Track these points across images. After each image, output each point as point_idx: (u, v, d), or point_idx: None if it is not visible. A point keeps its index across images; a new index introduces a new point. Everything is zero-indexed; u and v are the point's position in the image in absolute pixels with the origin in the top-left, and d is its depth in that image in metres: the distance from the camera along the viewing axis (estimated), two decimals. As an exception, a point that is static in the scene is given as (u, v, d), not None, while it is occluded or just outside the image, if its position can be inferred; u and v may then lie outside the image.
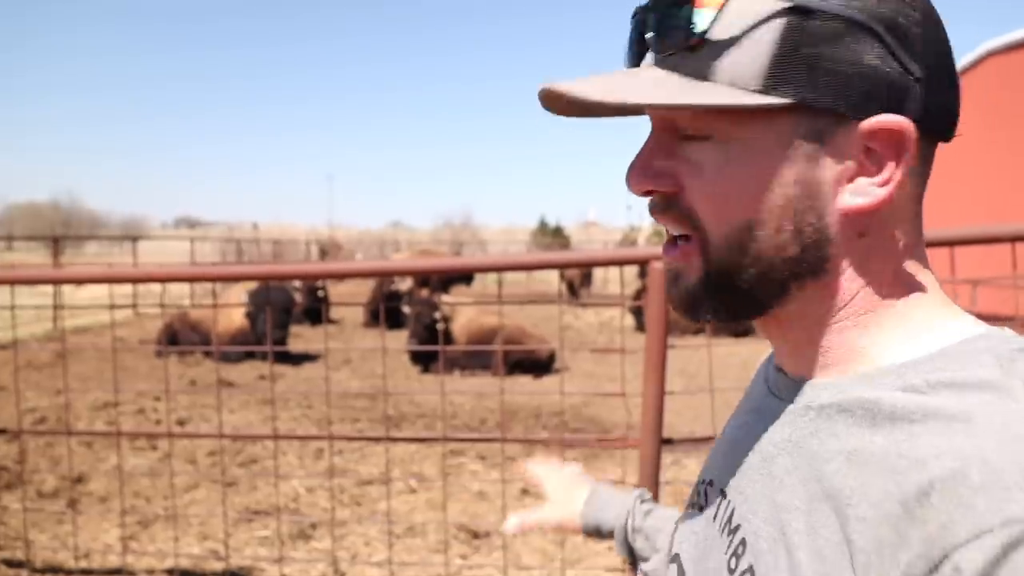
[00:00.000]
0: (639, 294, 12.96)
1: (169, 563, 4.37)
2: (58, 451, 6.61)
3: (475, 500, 5.53)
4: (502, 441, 3.22)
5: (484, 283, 26.68)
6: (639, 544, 1.22)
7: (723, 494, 0.82)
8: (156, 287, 20.44)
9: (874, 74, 0.68)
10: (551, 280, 26.83)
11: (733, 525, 0.78)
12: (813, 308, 0.75)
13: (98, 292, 20.34)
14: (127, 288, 18.86)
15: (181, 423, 7.64)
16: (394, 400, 9.03)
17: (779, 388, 0.81)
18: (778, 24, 0.68)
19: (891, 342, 0.73)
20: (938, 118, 0.73)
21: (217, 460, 6.44)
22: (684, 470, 5.96)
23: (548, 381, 10.46)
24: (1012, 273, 2.97)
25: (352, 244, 37.87)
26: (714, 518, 0.83)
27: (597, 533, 1.28)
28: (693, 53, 0.70)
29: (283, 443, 6.77)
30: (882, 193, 0.70)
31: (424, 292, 16.64)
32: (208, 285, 18.53)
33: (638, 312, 16.15)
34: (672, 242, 0.78)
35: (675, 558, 0.90)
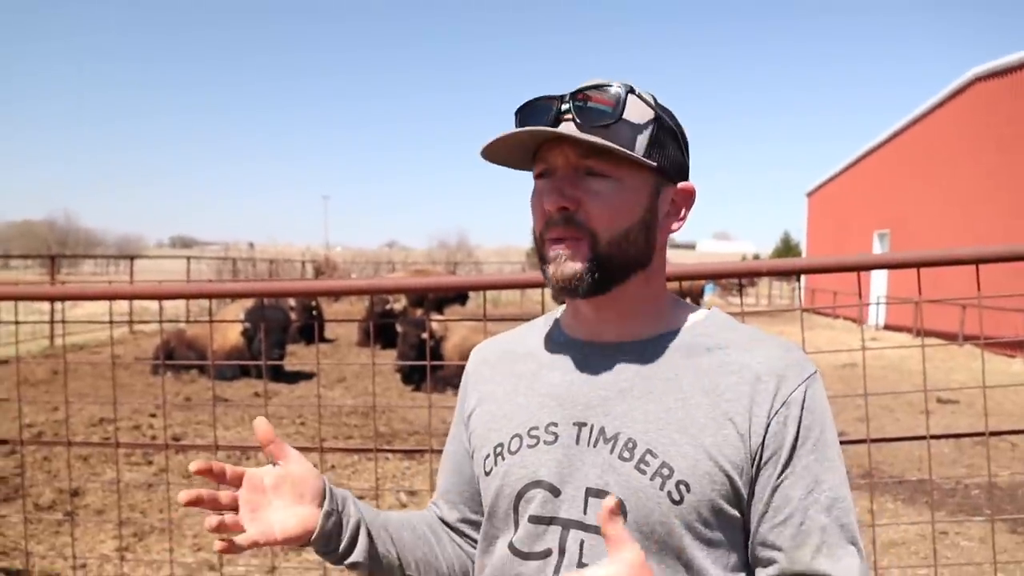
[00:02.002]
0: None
1: (164, 573, 4.48)
2: (55, 465, 6.71)
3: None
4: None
5: (478, 303, 26.78)
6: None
7: (580, 424, 1.23)
8: (152, 305, 20.56)
9: (679, 159, 1.27)
10: (545, 300, 26.98)
11: (610, 436, 1.20)
12: (637, 289, 1.26)
13: (94, 310, 20.43)
14: (123, 306, 19.01)
15: (176, 439, 7.73)
16: (386, 417, 9.15)
17: (593, 351, 1.28)
18: (652, 124, 1.23)
19: (678, 314, 1.31)
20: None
21: (211, 475, 6.53)
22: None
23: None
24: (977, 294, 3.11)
25: (347, 264, 37.94)
26: (576, 442, 1.22)
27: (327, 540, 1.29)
28: (606, 128, 1.18)
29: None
30: (680, 225, 1.29)
31: (418, 312, 16.76)
32: (204, 304, 18.68)
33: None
34: (555, 242, 1.21)
35: (535, 484, 1.23)
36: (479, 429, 1.36)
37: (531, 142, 1.23)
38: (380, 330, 15.01)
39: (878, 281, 23.57)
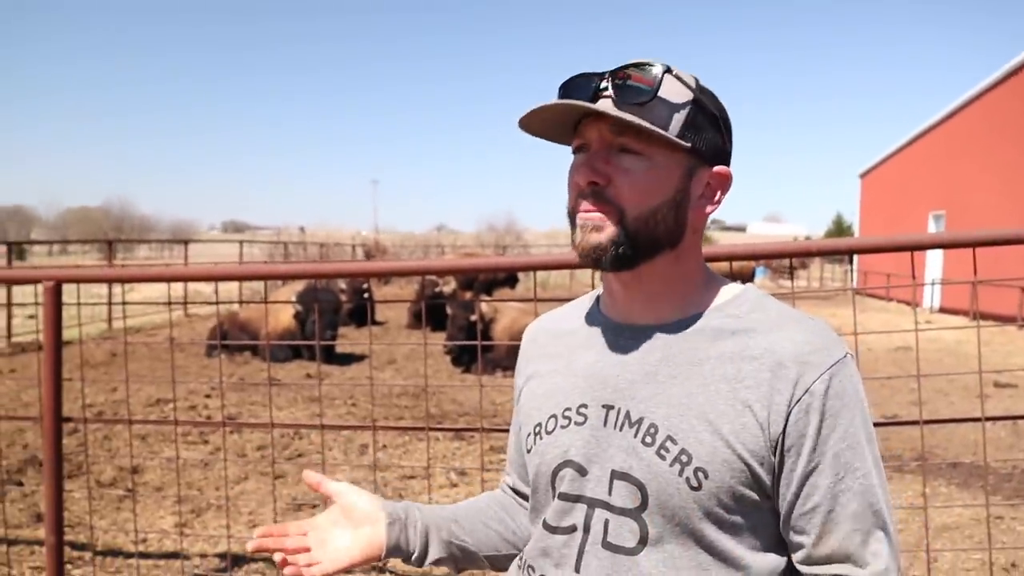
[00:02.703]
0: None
1: (221, 548, 4.59)
2: (115, 443, 6.89)
3: (514, 494, 5.68)
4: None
5: (527, 286, 26.82)
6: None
7: (608, 407, 1.26)
8: (205, 289, 20.92)
9: (718, 143, 1.27)
10: (596, 282, 26.87)
11: (634, 420, 1.23)
12: (666, 269, 1.27)
13: (149, 293, 20.86)
14: (178, 290, 19.38)
15: (231, 418, 7.88)
16: (436, 399, 9.23)
17: (624, 333, 1.30)
18: (689, 105, 1.23)
19: (710, 295, 1.30)
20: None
21: (266, 454, 6.67)
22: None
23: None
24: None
25: (396, 247, 38.20)
26: (604, 424, 1.26)
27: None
28: (641, 106, 1.20)
29: (329, 439, 6.99)
30: (713, 208, 1.29)
31: (467, 294, 16.84)
32: (255, 288, 18.97)
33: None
34: (587, 211, 1.23)
35: (566, 464, 1.28)
36: (525, 407, 1.41)
37: (570, 117, 1.25)
38: (430, 312, 15.12)
39: (933, 263, 23.14)
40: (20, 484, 5.74)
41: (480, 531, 1.47)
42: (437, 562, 1.40)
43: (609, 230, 1.21)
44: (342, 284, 15.45)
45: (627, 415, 1.23)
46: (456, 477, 6.05)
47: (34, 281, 3.60)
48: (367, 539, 1.34)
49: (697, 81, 1.26)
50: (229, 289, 17.71)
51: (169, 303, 3.47)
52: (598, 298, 1.41)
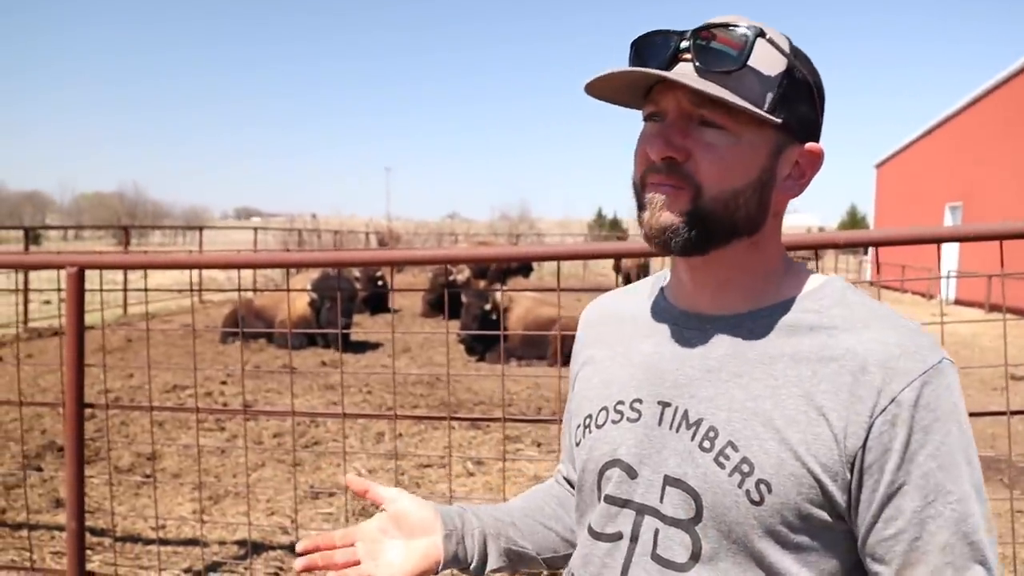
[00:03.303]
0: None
1: (240, 535, 4.60)
2: (132, 429, 6.91)
3: (531, 483, 5.68)
4: (560, 422, 3.35)
5: (540, 275, 26.83)
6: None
7: (664, 404, 1.14)
8: (218, 275, 20.97)
9: (810, 117, 1.13)
10: (608, 272, 26.83)
11: (692, 421, 1.11)
12: (740, 257, 1.14)
13: (162, 280, 20.91)
14: (193, 276, 19.42)
15: (247, 406, 7.90)
16: (452, 387, 9.22)
17: (688, 322, 1.18)
18: (782, 75, 1.08)
19: (788, 285, 1.15)
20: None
21: (282, 441, 6.68)
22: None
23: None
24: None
25: (410, 236, 38.21)
26: (659, 423, 1.14)
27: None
28: (728, 75, 1.05)
29: (346, 427, 6.99)
30: (801, 190, 1.15)
31: (481, 283, 16.83)
32: (269, 275, 19.00)
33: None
34: (657, 185, 1.10)
35: (614, 463, 1.17)
36: (578, 396, 1.30)
37: (642, 80, 1.11)
38: (444, 301, 15.12)
39: (949, 254, 23.01)
40: (39, 469, 5.76)
41: (539, 533, 1.37)
42: (496, 571, 1.30)
43: (682, 209, 1.08)
44: (356, 272, 15.46)
45: (684, 415, 1.11)
46: (473, 467, 6.04)
47: (57, 267, 3.60)
48: (422, 552, 1.23)
49: (791, 44, 1.11)
50: (244, 276, 17.73)
51: (191, 290, 3.46)
52: (664, 281, 1.29)
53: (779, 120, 1.07)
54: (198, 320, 14.79)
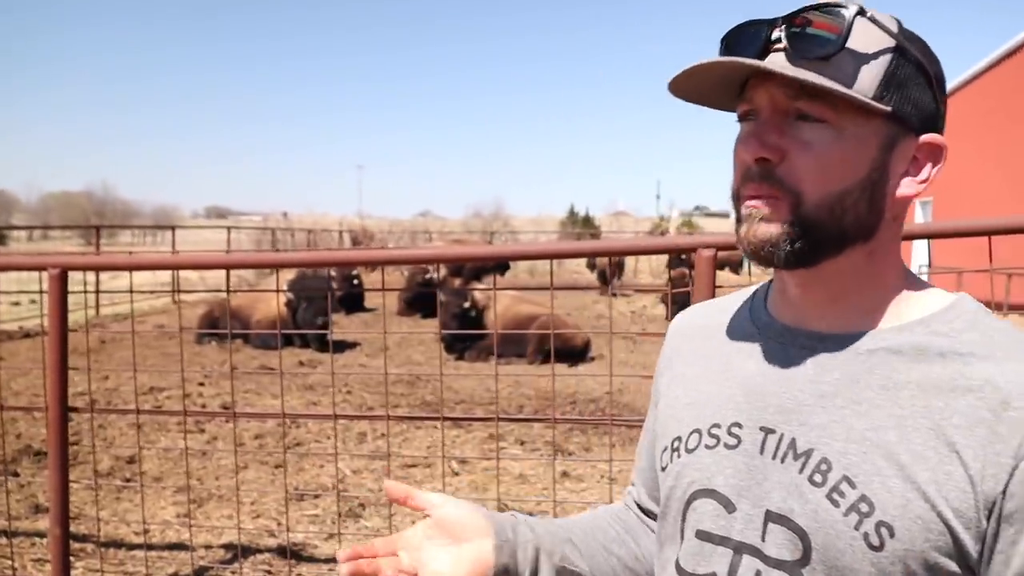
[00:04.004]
0: (681, 281, 12.99)
1: (226, 539, 4.54)
2: (109, 432, 6.81)
3: (517, 482, 5.66)
4: (553, 421, 3.34)
5: (515, 273, 26.79)
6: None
7: (767, 430, 1.01)
8: (192, 275, 20.78)
9: (927, 105, 0.99)
10: (583, 269, 26.85)
11: (801, 451, 0.97)
12: (855, 267, 1.00)
13: (137, 280, 20.65)
14: (163, 277, 19.23)
15: (226, 407, 7.81)
16: (431, 386, 9.19)
17: (795, 340, 1.04)
18: (889, 56, 0.95)
19: (910, 303, 1.01)
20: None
21: (264, 443, 6.62)
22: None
23: (583, 368, 10.57)
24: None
25: (383, 234, 38.03)
26: (761, 451, 1.01)
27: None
28: (825, 61, 0.94)
29: (327, 427, 6.94)
30: (920, 188, 1.00)
31: (456, 281, 16.80)
32: (243, 275, 18.85)
33: (671, 301, 16.23)
34: (754, 197, 0.99)
35: (707, 493, 1.05)
36: (664, 415, 1.18)
37: (734, 76, 1.00)
38: (421, 300, 15.07)
39: (919, 250, 23.23)
40: (16, 475, 5.66)
41: (599, 556, 1.23)
42: None
43: (781, 220, 0.97)
44: (332, 271, 15.37)
45: (792, 444, 0.98)
46: (458, 466, 6.01)
47: (39, 268, 3.53)
48: (472, 560, 1.11)
49: (900, 24, 0.98)
50: (217, 276, 17.60)
51: (176, 291, 3.41)
52: (766, 292, 1.16)
53: (888, 108, 0.95)
54: (173, 321, 14.61)
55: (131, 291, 3.63)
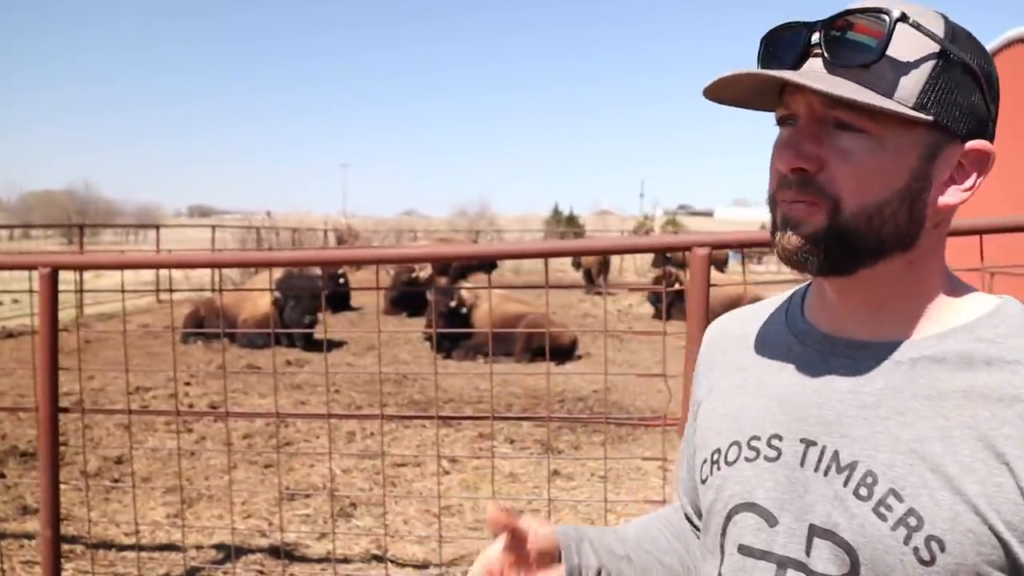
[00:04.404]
0: (674, 281, 13.03)
1: (216, 539, 4.52)
2: (96, 433, 6.76)
3: (507, 481, 5.66)
4: (548, 420, 3.34)
5: (501, 272, 26.77)
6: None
7: (808, 443, 0.98)
8: (175, 274, 20.67)
9: (975, 110, 0.95)
10: (567, 268, 26.88)
11: (845, 463, 0.94)
12: (894, 276, 0.98)
13: (117, 280, 20.51)
14: (147, 275, 19.10)
15: (214, 407, 7.78)
16: (419, 385, 9.18)
17: (835, 349, 1.01)
18: (931, 63, 0.92)
19: (954, 308, 0.98)
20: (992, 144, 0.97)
21: (252, 443, 6.59)
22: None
23: (570, 367, 10.58)
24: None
25: (369, 233, 37.90)
26: (802, 464, 0.98)
27: None
28: (866, 69, 0.91)
29: (316, 427, 6.92)
30: (964, 197, 0.97)
31: (442, 280, 16.77)
32: (228, 274, 18.74)
33: (657, 299, 16.26)
34: (791, 203, 0.97)
35: (748, 507, 1.02)
36: (703, 426, 1.15)
37: (772, 81, 0.97)
38: (407, 299, 15.05)
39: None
40: (2, 476, 5.62)
41: (653, 570, 1.22)
42: None
43: (817, 227, 0.95)
44: (318, 270, 15.33)
45: (835, 456, 0.96)
46: (448, 464, 6.00)
47: (29, 267, 3.50)
48: None
49: (947, 23, 0.94)
50: (201, 275, 17.50)
51: (170, 290, 3.39)
52: (802, 298, 1.12)
53: (930, 118, 0.92)
54: (158, 320, 14.52)
55: (123, 290, 3.59)
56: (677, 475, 1.33)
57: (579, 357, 11.41)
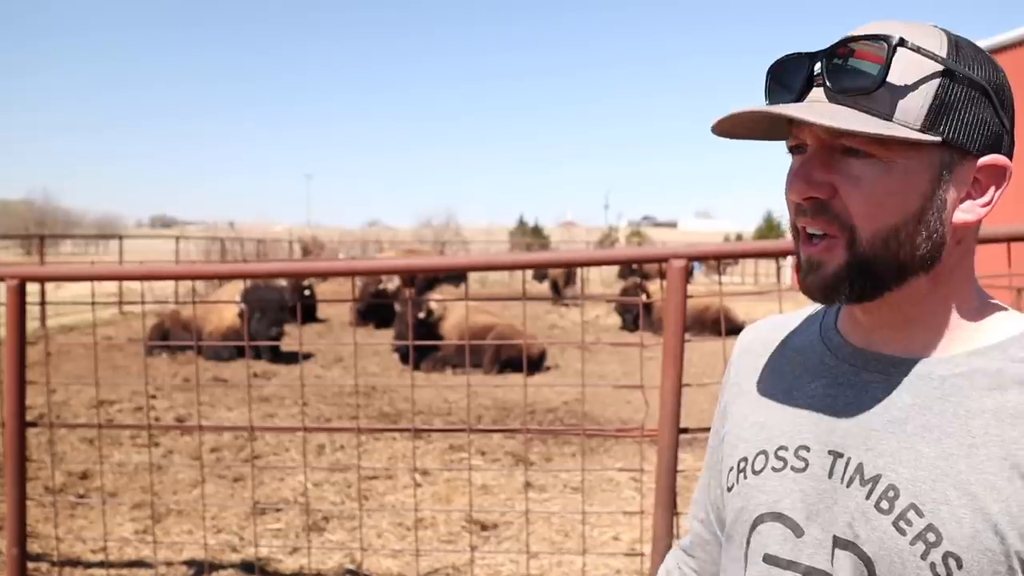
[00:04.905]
0: (632, 291, 13.06)
1: (187, 555, 4.45)
2: (60, 447, 6.64)
3: (479, 493, 5.63)
4: (525, 432, 3.33)
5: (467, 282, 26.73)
6: None
7: (836, 454, 0.99)
8: (137, 287, 20.38)
9: (986, 124, 0.94)
10: (531, 280, 26.92)
11: (868, 476, 0.95)
12: (917, 295, 0.98)
13: (78, 291, 20.23)
14: (110, 287, 18.82)
15: (180, 420, 7.68)
16: (389, 397, 9.14)
17: (867, 364, 1.01)
18: (935, 83, 0.92)
19: (985, 327, 0.98)
20: (1011, 157, 0.97)
21: (221, 456, 6.51)
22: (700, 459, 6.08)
23: (539, 378, 10.58)
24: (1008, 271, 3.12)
25: (334, 244, 37.73)
26: (829, 475, 0.99)
27: None
28: (867, 95, 0.92)
29: (285, 439, 6.85)
30: (983, 212, 0.97)
31: (409, 291, 16.71)
32: (191, 285, 18.50)
33: (626, 310, 16.33)
34: (808, 239, 0.99)
35: (774, 516, 1.03)
36: (731, 434, 1.16)
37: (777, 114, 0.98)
38: (374, 310, 14.98)
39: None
40: (-37, 492, 5.50)
41: None
42: None
43: (839, 264, 0.96)
44: (283, 281, 15.22)
45: (859, 469, 0.97)
46: (420, 477, 5.97)
47: (-4, 280, 3.44)
48: None
49: (949, 39, 0.95)
50: (164, 287, 17.31)
51: (142, 302, 3.34)
52: (837, 310, 1.12)
53: (937, 138, 0.92)
54: (122, 332, 14.34)
55: (92, 302, 3.53)
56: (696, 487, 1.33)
57: (548, 368, 11.41)
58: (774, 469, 1.05)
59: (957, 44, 0.95)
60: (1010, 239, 3.00)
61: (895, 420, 0.96)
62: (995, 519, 0.87)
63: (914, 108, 0.92)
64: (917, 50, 0.92)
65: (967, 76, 0.93)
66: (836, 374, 1.04)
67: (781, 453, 1.05)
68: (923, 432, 0.93)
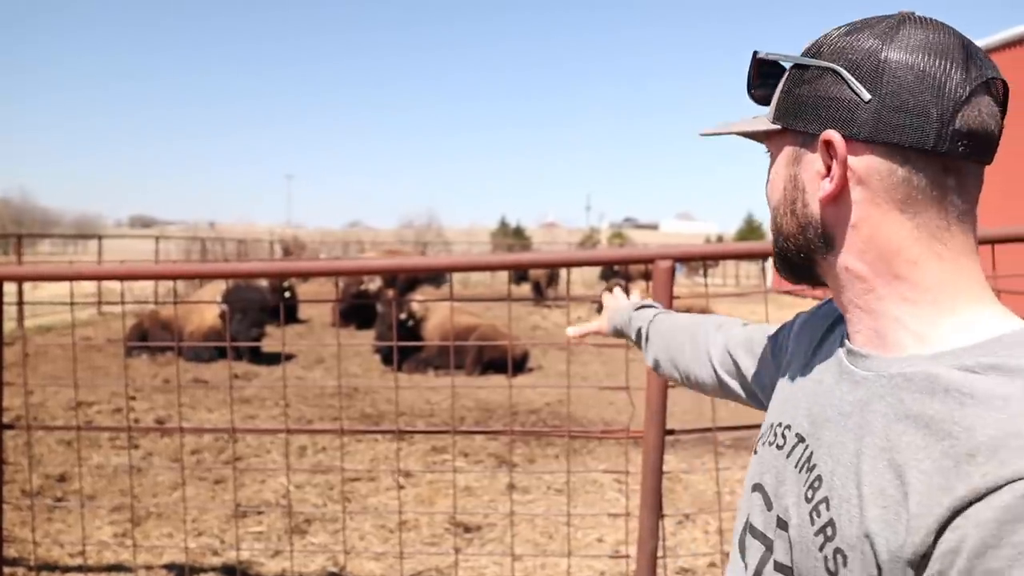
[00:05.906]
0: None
1: (167, 558, 4.40)
2: (37, 450, 6.56)
3: (463, 495, 5.61)
4: (511, 434, 3.31)
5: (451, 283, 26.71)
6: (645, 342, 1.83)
7: (800, 439, 1.04)
8: (116, 287, 20.21)
9: (832, 103, 0.95)
10: (509, 281, 26.90)
11: (810, 464, 0.99)
12: (837, 281, 1.01)
13: (56, 291, 20.04)
14: (90, 287, 18.66)
15: (160, 422, 7.61)
16: (371, 398, 9.10)
17: (848, 354, 1.02)
18: (785, 77, 1.03)
19: (957, 327, 0.92)
20: (893, 132, 0.92)
21: (201, 458, 6.45)
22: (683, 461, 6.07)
23: (522, 380, 10.56)
24: (992, 274, 3.12)
25: (316, 244, 37.58)
26: (788, 456, 1.05)
27: (618, 334, 1.96)
28: (765, 104, 1.07)
29: (266, 441, 6.80)
30: (829, 188, 0.96)
31: (390, 292, 16.65)
32: (170, 285, 18.39)
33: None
34: None
35: (758, 488, 1.11)
36: (771, 400, 1.23)
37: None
38: (356, 311, 14.91)
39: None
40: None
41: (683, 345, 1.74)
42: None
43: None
44: (264, 282, 15.12)
45: (808, 456, 1.00)
46: (403, 479, 5.93)
47: (-27, 280, 3.37)
48: None
49: (816, 41, 1.00)
50: (143, 287, 17.17)
51: (122, 302, 3.29)
52: None
53: (777, 125, 1.03)
54: (100, 333, 14.20)
55: (71, 303, 3.48)
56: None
57: (530, 370, 11.40)
58: (768, 443, 1.12)
59: (824, 40, 0.99)
60: (995, 241, 3.02)
61: (843, 413, 0.97)
62: (870, 524, 0.85)
63: (774, 104, 1.05)
64: (764, 60, 1.05)
65: (816, 64, 0.97)
66: (830, 361, 1.07)
67: (776, 429, 1.12)
68: (856, 429, 0.94)
